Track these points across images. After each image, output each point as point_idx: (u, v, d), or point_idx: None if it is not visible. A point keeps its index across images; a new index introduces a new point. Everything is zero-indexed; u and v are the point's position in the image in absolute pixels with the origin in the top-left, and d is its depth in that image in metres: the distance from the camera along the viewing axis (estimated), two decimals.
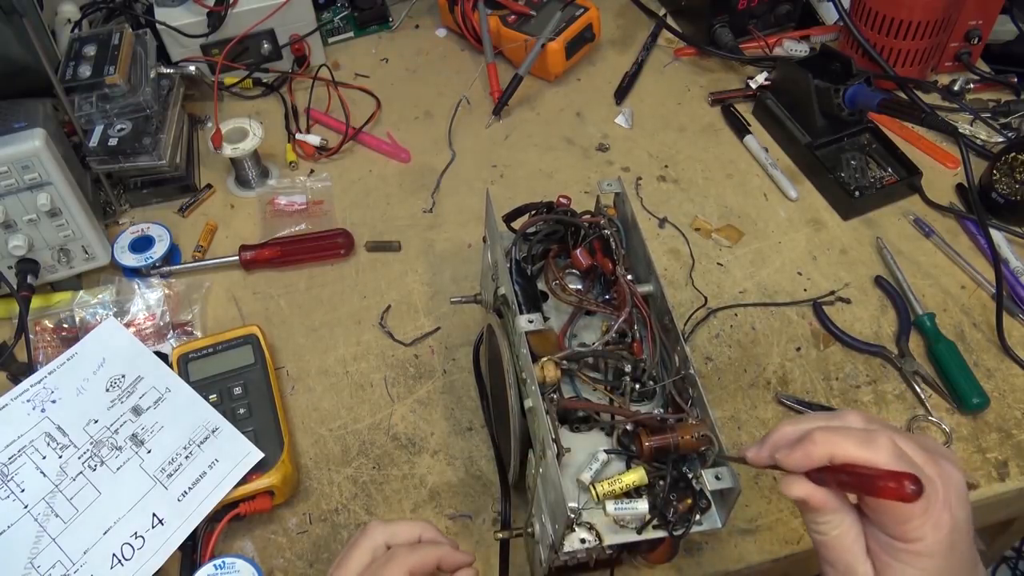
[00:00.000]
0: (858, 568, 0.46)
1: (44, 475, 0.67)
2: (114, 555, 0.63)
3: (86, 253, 0.83)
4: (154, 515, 0.65)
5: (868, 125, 0.96)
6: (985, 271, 0.85)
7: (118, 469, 0.67)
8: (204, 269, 0.87)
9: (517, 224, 0.70)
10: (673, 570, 0.66)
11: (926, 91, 1.02)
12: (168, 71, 0.96)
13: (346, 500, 0.71)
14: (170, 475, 0.67)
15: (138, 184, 0.93)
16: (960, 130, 0.97)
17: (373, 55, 1.12)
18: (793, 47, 1.08)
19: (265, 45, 1.03)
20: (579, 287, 0.67)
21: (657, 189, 0.95)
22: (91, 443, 0.69)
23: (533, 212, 0.69)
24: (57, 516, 0.65)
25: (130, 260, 0.85)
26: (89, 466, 0.67)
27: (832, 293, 0.84)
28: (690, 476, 0.56)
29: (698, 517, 0.55)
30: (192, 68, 1.00)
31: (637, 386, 0.60)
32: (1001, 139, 0.97)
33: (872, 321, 0.82)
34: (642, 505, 0.54)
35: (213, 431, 0.70)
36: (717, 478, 0.54)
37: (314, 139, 0.98)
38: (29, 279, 0.79)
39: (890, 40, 0.97)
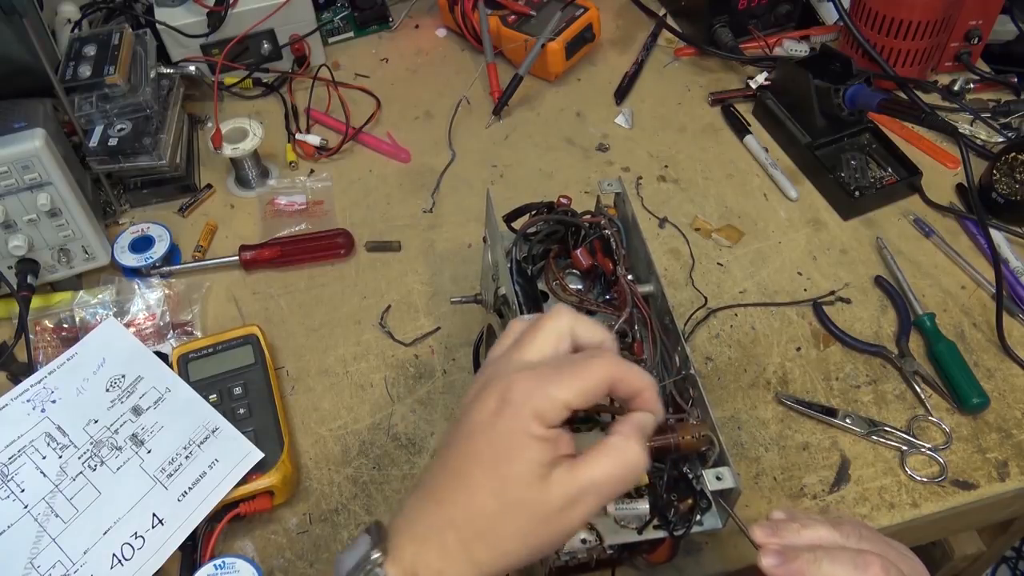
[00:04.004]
0: None
1: (44, 475, 0.67)
2: (114, 555, 0.63)
3: (86, 253, 0.83)
4: (154, 515, 0.65)
5: (868, 125, 0.96)
6: (985, 271, 0.85)
7: (118, 469, 0.67)
8: (204, 269, 0.87)
9: (517, 224, 0.70)
10: (673, 570, 0.66)
11: (926, 91, 1.02)
12: (168, 71, 0.96)
13: (346, 500, 0.71)
14: (170, 475, 0.67)
15: (138, 184, 0.93)
16: (960, 130, 0.97)
17: (373, 55, 1.12)
18: (793, 47, 1.08)
19: (265, 45, 1.03)
20: (579, 287, 0.67)
21: (657, 189, 0.95)
22: (91, 443, 0.69)
23: (533, 212, 0.69)
24: (57, 516, 0.65)
25: (130, 260, 0.85)
26: (89, 466, 0.67)
27: (832, 293, 0.84)
28: (691, 476, 0.56)
29: (699, 517, 0.55)
30: (192, 68, 1.00)
31: None
32: (1001, 139, 0.97)
33: (872, 321, 0.82)
34: (643, 505, 0.54)
35: (213, 431, 0.70)
36: (718, 478, 0.54)
37: (314, 139, 0.98)
38: (29, 279, 0.79)
39: (890, 40, 0.97)
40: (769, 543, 0.48)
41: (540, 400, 0.44)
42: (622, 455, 0.45)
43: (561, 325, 0.48)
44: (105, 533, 0.64)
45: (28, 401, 0.71)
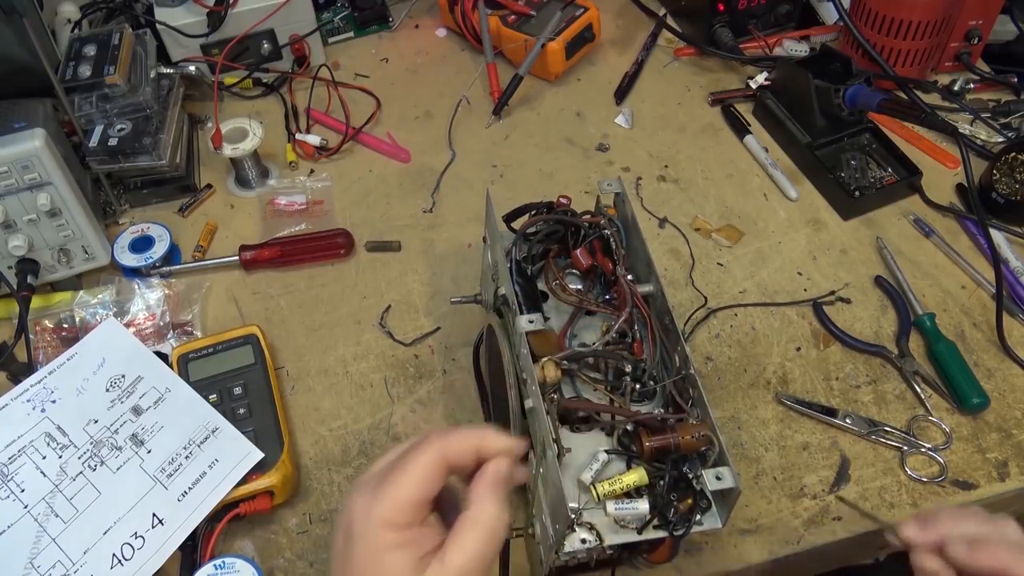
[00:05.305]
0: None
1: (44, 475, 0.67)
2: (114, 555, 0.63)
3: (86, 253, 0.83)
4: (154, 515, 0.65)
5: (868, 125, 0.96)
6: (985, 271, 0.85)
7: (118, 469, 0.67)
8: (204, 269, 0.87)
9: (517, 224, 0.69)
10: (673, 570, 0.66)
11: (926, 91, 1.02)
12: (168, 71, 0.96)
13: None
14: (170, 475, 0.67)
15: (138, 184, 0.93)
16: (960, 130, 0.97)
17: (373, 55, 1.12)
18: (793, 47, 1.08)
19: (265, 45, 1.03)
20: (579, 287, 0.67)
21: (657, 189, 0.95)
22: (91, 443, 0.69)
23: (533, 212, 0.69)
24: (57, 516, 0.65)
25: (130, 260, 0.85)
26: (89, 466, 0.67)
27: (832, 293, 0.84)
28: (690, 476, 0.56)
29: (698, 517, 0.55)
30: (192, 68, 1.00)
31: (637, 386, 0.60)
32: (1001, 139, 0.97)
33: (872, 321, 0.82)
34: (643, 505, 0.54)
35: (213, 431, 0.70)
36: (718, 478, 0.54)
37: (314, 139, 0.98)
38: (29, 279, 0.79)
39: (890, 40, 0.97)
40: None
41: (381, 509, 0.42)
42: (481, 525, 0.43)
43: (427, 459, 0.44)
44: (105, 533, 0.64)
45: (28, 401, 0.71)
